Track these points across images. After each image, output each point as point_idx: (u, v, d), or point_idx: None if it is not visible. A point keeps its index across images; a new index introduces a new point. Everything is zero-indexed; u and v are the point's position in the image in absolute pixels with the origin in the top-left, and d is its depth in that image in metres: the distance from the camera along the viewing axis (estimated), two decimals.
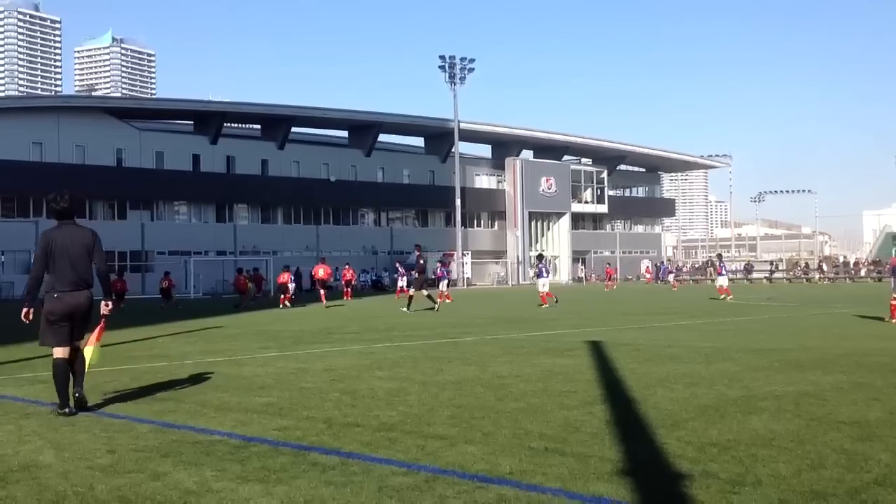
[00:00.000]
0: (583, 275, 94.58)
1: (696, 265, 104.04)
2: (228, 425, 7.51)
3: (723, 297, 35.32)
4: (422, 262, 31.32)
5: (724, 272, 37.29)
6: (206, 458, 6.17)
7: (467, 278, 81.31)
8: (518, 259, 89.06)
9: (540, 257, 35.62)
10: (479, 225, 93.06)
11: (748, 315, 24.20)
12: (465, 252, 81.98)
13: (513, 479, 5.43)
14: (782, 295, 40.62)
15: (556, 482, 5.32)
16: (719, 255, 43.44)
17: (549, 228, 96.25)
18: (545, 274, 33.40)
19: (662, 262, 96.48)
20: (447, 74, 79.93)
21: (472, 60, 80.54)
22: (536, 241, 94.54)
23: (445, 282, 38.28)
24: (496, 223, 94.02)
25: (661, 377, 10.25)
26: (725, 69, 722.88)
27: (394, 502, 4.92)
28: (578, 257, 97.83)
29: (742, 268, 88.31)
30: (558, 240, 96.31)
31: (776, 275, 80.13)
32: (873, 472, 5.44)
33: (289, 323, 24.41)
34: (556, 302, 32.02)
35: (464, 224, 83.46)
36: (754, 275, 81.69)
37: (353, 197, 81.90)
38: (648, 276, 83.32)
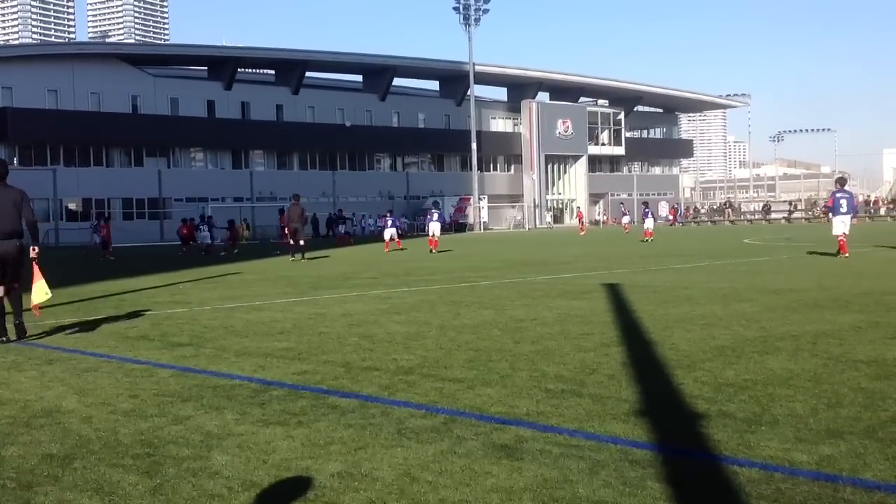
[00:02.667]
0: (600, 218, 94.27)
1: (714, 206, 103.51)
2: (249, 370, 7.59)
3: (648, 239, 38.41)
4: (303, 212, 30.93)
5: (649, 216, 43.33)
6: (227, 402, 6.25)
7: (484, 222, 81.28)
8: (535, 203, 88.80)
9: (646, 203, 43.92)
10: (495, 169, 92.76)
11: (766, 256, 24.10)
12: (481, 196, 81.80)
13: (530, 420, 5.47)
14: (801, 235, 40.43)
15: (572, 423, 5.36)
16: (646, 203, 48.91)
17: (565, 171, 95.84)
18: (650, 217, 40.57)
19: (679, 204, 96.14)
20: (461, 16, 79.16)
21: (486, 1, 79.58)
22: (553, 185, 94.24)
23: (437, 226, 34.85)
24: (512, 167, 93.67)
25: (679, 318, 10.25)
26: (744, 7, 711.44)
27: (412, 444, 4.98)
28: (596, 200, 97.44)
29: (760, 208, 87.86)
30: (575, 183, 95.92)
31: (795, 215, 79.65)
32: (890, 410, 5.45)
33: (307, 269, 24.52)
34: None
35: (480, 168, 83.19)
36: (773, 215, 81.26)
37: (369, 142, 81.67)
38: (672, 217, 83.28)
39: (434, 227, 34.22)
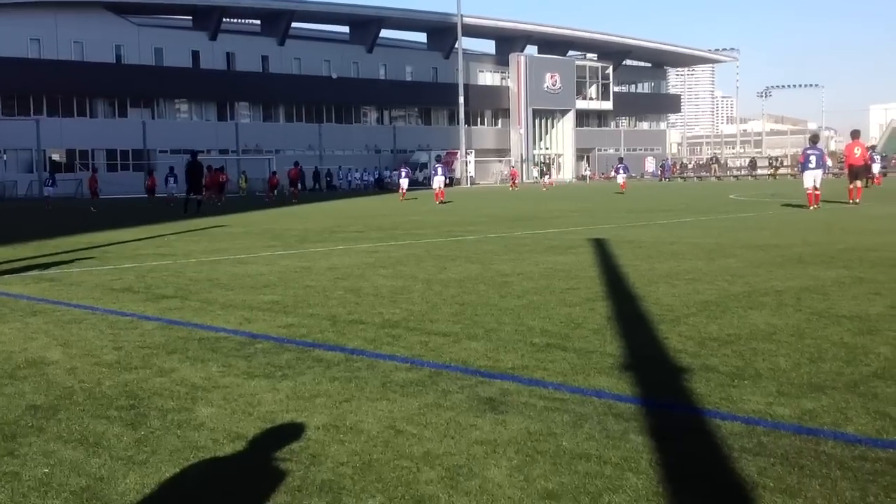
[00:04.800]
0: (587, 173, 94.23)
1: (701, 162, 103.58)
2: (234, 322, 7.58)
3: (622, 191, 43.20)
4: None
5: (621, 171, 47.96)
6: (212, 355, 6.25)
7: (471, 177, 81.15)
8: (522, 157, 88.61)
9: (621, 159, 47.05)
10: (482, 123, 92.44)
11: (752, 212, 24.17)
12: (468, 150, 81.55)
13: (515, 373, 5.49)
14: (786, 191, 40.51)
15: (557, 377, 5.38)
16: (620, 159, 53.12)
17: (553, 126, 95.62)
18: None
19: (667, 160, 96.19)
20: None
21: None
22: (540, 139, 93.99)
23: (441, 179, 39.47)
24: (500, 121, 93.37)
25: (664, 273, 10.28)
26: None
27: (397, 397, 4.99)
28: (583, 155, 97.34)
29: (747, 164, 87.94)
30: (562, 138, 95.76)
31: (780, 171, 79.76)
32: (872, 365, 5.49)
33: (293, 221, 24.45)
34: None
35: (467, 122, 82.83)
36: (758, 171, 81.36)
37: (356, 94, 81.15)
38: (660, 172, 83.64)
39: (438, 181, 38.84)
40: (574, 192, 48.57)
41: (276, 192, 50.48)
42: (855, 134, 28.75)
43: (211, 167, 43.73)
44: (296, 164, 51.85)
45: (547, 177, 62.44)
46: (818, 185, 24.04)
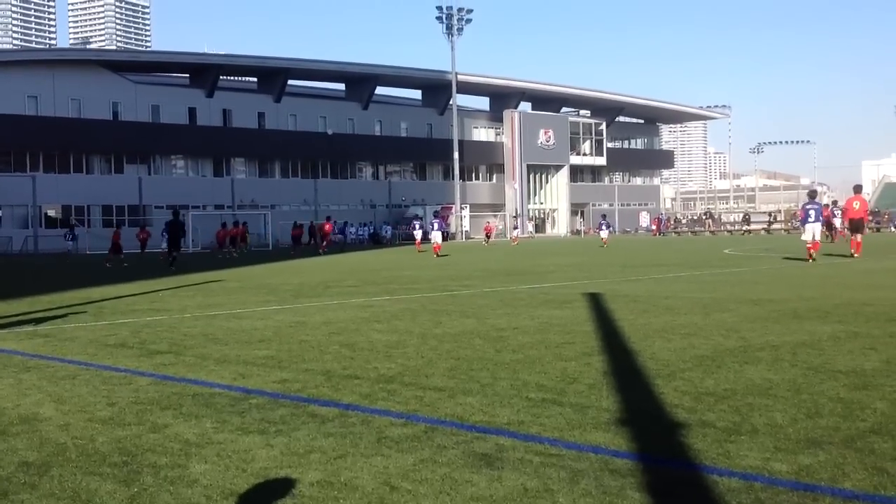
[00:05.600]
0: (581, 227, 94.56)
1: (694, 217, 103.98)
2: (228, 378, 7.55)
3: (604, 245, 46.18)
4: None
5: (603, 227, 52.95)
6: (206, 410, 6.21)
7: (465, 231, 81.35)
8: (516, 212, 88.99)
9: (604, 216, 48.89)
10: (477, 178, 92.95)
11: (746, 266, 24.23)
12: (463, 205, 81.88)
13: (511, 429, 5.46)
14: (780, 246, 40.65)
15: (553, 432, 5.35)
16: (603, 216, 57.87)
17: (547, 181, 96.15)
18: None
19: (661, 214, 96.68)
20: (444, 25, 79.34)
21: (469, 11, 79.86)
22: (535, 194, 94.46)
23: (439, 234, 41.42)
24: (494, 176, 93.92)
25: (659, 328, 10.28)
26: (724, 19, 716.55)
27: (393, 452, 4.96)
28: (577, 210, 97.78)
29: (741, 219, 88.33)
30: (557, 192, 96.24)
31: (774, 226, 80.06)
32: (869, 420, 5.47)
33: (288, 276, 24.44)
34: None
35: (462, 177, 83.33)
36: (752, 226, 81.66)
37: (351, 150, 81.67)
38: (655, 227, 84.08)
39: (436, 236, 41.10)
40: (566, 247, 48.70)
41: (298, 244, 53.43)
42: (857, 189, 29.78)
43: (237, 222, 50.04)
44: (328, 218, 56.99)
45: (517, 231, 64.40)
46: (818, 238, 25.27)
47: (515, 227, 66.57)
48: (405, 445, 5.11)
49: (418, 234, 45.11)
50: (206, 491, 4.33)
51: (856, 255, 26.06)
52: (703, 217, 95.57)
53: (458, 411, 5.99)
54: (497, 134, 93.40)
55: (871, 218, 49.46)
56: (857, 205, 28.07)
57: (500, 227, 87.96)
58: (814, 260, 24.31)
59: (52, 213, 67.63)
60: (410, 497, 4.16)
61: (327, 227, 53.65)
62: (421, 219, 49.92)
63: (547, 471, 4.53)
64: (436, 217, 45.51)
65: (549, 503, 4.02)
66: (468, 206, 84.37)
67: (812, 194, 27.81)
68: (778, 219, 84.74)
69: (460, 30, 79.27)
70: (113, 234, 41.29)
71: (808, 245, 24.95)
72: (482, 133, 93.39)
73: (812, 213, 25.34)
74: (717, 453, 4.79)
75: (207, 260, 37.36)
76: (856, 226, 27.91)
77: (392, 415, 5.93)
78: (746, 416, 5.63)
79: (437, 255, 37.87)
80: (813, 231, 25.03)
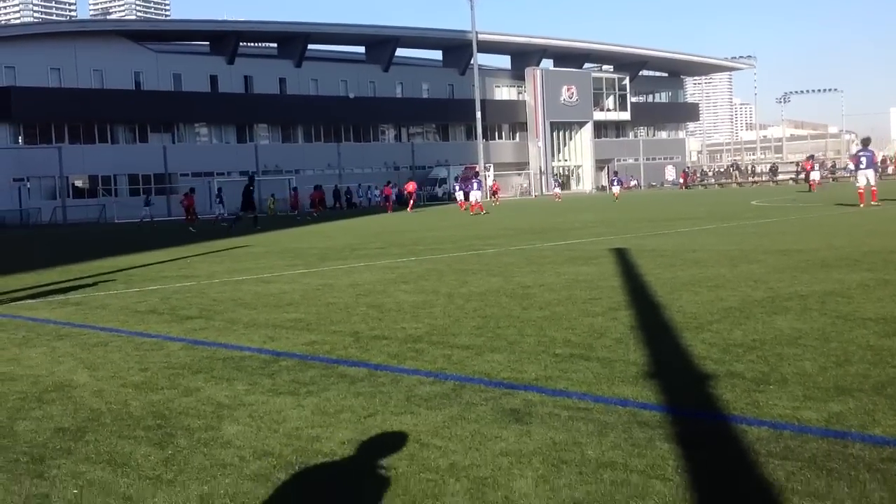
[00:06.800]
0: (606, 183, 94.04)
1: (721, 169, 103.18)
2: (258, 341, 7.62)
3: (616, 199, 47.72)
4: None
5: (615, 183, 55.06)
6: (238, 374, 6.28)
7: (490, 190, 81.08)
8: (540, 170, 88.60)
9: (616, 172, 46.03)
10: (500, 137, 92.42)
11: (774, 217, 24.04)
12: (487, 165, 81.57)
13: (538, 385, 5.49)
14: (809, 195, 40.27)
15: (581, 387, 5.36)
16: (615, 172, 58.80)
17: (571, 138, 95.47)
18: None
19: (688, 167, 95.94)
20: None
21: None
22: (559, 152, 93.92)
23: (478, 193, 42.19)
24: (517, 135, 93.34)
25: (686, 281, 10.24)
26: None
27: (422, 410, 4.99)
28: (602, 166, 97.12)
29: (768, 169, 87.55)
30: (581, 149, 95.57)
31: (801, 176, 79.17)
32: None
33: (315, 240, 24.54)
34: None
35: (485, 137, 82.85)
36: (780, 176, 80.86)
37: (373, 113, 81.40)
38: (682, 181, 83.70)
39: (475, 195, 41.84)
40: (591, 204, 48.47)
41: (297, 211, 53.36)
42: (865, 141, 29.72)
43: (318, 186, 56.39)
44: (316, 187, 56.28)
45: (559, 188, 64.88)
46: (872, 183, 26.75)
47: (557, 185, 67.87)
48: (434, 403, 5.15)
49: (474, 195, 43.52)
50: (240, 452, 4.39)
51: (874, 203, 26.56)
52: (730, 169, 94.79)
53: (485, 368, 6.02)
54: (519, 92, 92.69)
55: (817, 168, 52.05)
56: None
57: (525, 185, 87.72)
58: (877, 204, 25.73)
59: (79, 183, 68.10)
60: (441, 453, 4.19)
61: (410, 186, 56.66)
62: (478, 175, 48.74)
63: (575, 424, 4.56)
64: (475, 178, 44.87)
65: (577, 456, 4.04)
66: (492, 165, 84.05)
67: (865, 141, 28.61)
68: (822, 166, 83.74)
69: None
70: (186, 199, 42.71)
71: (861, 191, 26.31)
72: (504, 92, 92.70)
73: (864, 160, 26.57)
74: (745, 403, 4.79)
75: (242, 225, 37.64)
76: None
77: (421, 373, 5.97)
78: (775, 366, 5.61)
79: (478, 213, 38.88)
80: (866, 177, 26.49)
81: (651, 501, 3.45)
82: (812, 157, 59.15)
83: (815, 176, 49.83)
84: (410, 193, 56.60)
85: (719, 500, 3.47)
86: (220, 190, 50.69)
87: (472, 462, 4.04)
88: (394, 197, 61.11)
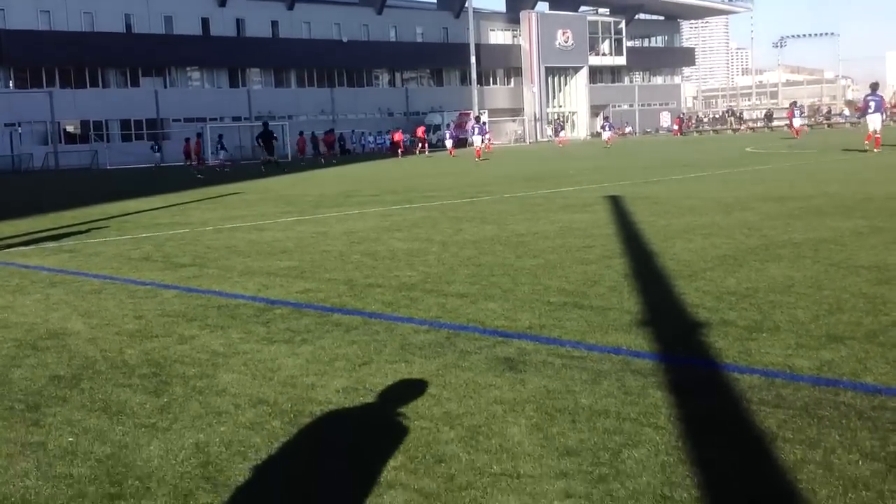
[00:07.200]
0: (601, 129, 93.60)
1: (716, 115, 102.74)
2: (252, 289, 7.62)
3: (608, 145, 47.09)
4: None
5: (607, 129, 54.32)
6: (232, 322, 6.29)
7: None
8: (535, 116, 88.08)
9: (606, 117, 45.96)
10: (495, 83, 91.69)
11: (769, 164, 23.99)
12: (481, 110, 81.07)
13: (532, 333, 5.51)
14: (804, 142, 40.16)
15: (575, 335, 5.39)
16: (606, 117, 59.18)
17: (566, 83, 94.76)
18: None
19: (683, 113, 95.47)
20: None
21: None
22: (553, 97, 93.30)
23: (479, 138, 41.68)
24: (512, 80, 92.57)
25: (680, 229, 10.25)
26: None
27: (416, 359, 5.01)
28: (597, 112, 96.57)
29: (763, 115, 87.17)
30: (576, 95, 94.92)
31: (797, 121, 78.87)
32: (892, 314, 5.47)
33: (308, 187, 24.46)
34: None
35: (479, 82, 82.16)
36: (775, 122, 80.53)
37: (367, 57, 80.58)
38: (677, 127, 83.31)
39: (477, 140, 41.45)
40: (585, 151, 48.30)
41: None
42: (874, 86, 29.56)
43: (331, 130, 58.78)
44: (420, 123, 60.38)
45: (562, 133, 63.36)
46: (878, 130, 26.66)
47: (561, 129, 66.58)
48: (428, 352, 5.17)
49: (476, 139, 42.29)
50: (235, 399, 4.41)
51: (876, 149, 26.36)
52: (726, 115, 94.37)
53: (479, 317, 6.04)
54: (514, 36, 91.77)
55: (798, 115, 52.25)
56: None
57: (519, 131, 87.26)
58: (879, 151, 25.45)
59: (70, 128, 67.57)
60: (435, 402, 4.22)
61: (420, 131, 59.26)
62: (479, 119, 46.93)
63: (569, 372, 4.58)
64: (478, 123, 44.07)
65: (571, 404, 4.07)
66: (486, 111, 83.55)
67: (874, 86, 28.48)
68: (801, 113, 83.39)
69: None
70: (196, 144, 42.69)
71: (876, 135, 26.27)
72: (499, 36, 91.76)
73: (872, 104, 26.59)
74: (738, 351, 4.81)
75: (240, 171, 37.43)
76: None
77: (415, 322, 5.99)
78: (768, 314, 5.64)
79: (478, 159, 38.30)
80: (874, 121, 26.48)
81: (644, 449, 3.48)
82: (795, 102, 59.40)
83: (797, 122, 50.31)
84: (421, 138, 58.93)
85: (711, 447, 3.50)
86: (220, 136, 50.69)
87: (467, 410, 4.07)
88: (408, 141, 62.75)
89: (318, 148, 55.20)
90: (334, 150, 58.40)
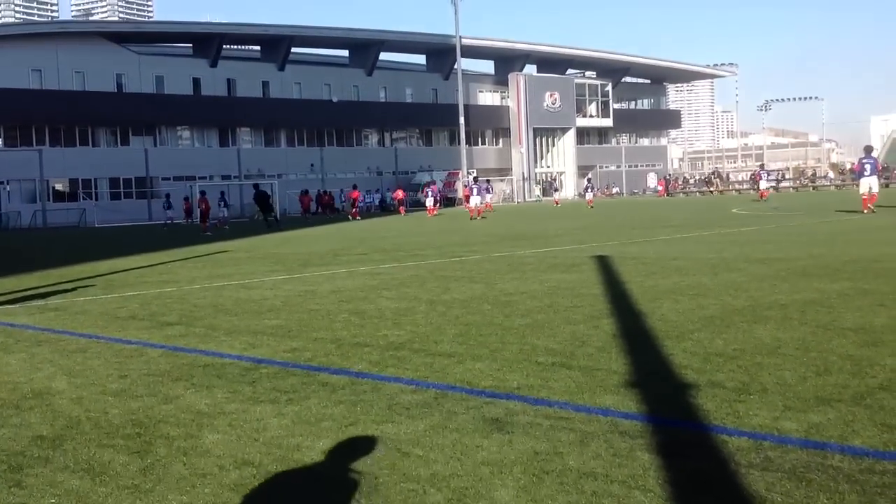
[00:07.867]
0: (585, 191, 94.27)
1: (702, 177, 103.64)
2: (238, 348, 7.58)
3: (590, 206, 49.07)
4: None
5: (590, 190, 58.23)
6: (218, 381, 6.24)
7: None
8: (523, 176, 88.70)
9: (589, 179, 50.38)
10: (483, 143, 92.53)
11: (755, 225, 24.15)
12: (470, 170, 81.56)
13: (520, 393, 5.48)
14: (789, 204, 40.51)
15: (563, 395, 5.36)
16: (588, 179, 61.85)
17: (553, 144, 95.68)
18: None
19: (668, 174, 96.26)
20: None
21: None
22: (541, 158, 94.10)
23: (478, 198, 42.85)
24: (501, 140, 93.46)
25: (667, 289, 10.27)
26: None
27: (403, 419, 4.98)
28: (584, 173, 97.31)
29: (748, 178, 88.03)
30: (563, 155, 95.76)
31: (783, 183, 79.71)
32: (878, 377, 5.48)
33: (296, 246, 24.48)
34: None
35: (468, 142, 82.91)
36: (761, 184, 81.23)
37: (356, 117, 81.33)
38: (661, 188, 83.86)
39: (477, 199, 42.87)
40: (572, 211, 48.57)
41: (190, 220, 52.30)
42: (868, 149, 30.10)
43: (327, 191, 63.14)
44: (354, 187, 57.22)
45: (557, 193, 65.83)
46: (874, 190, 27.08)
47: (556, 189, 72.51)
48: (416, 412, 5.13)
49: (473, 200, 43.36)
50: (219, 461, 4.37)
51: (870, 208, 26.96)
52: (711, 176, 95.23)
53: (467, 377, 6.01)
54: (503, 98, 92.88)
55: (766, 178, 54.40)
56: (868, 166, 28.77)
57: (508, 191, 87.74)
58: (872, 212, 25.71)
59: (59, 186, 67.70)
60: (422, 462, 4.18)
61: (355, 194, 55.91)
62: (477, 179, 48.41)
63: (557, 434, 4.55)
64: (476, 183, 45.41)
65: (559, 466, 4.04)
66: (475, 170, 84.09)
67: (868, 149, 28.95)
68: (786, 177, 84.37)
69: None
70: (201, 202, 42.62)
71: (865, 197, 26.69)
72: (488, 97, 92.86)
73: (868, 166, 26.94)
74: (726, 413, 4.80)
75: (236, 229, 37.45)
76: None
77: (402, 381, 5.96)
78: (755, 376, 5.63)
79: (474, 218, 39.22)
80: (869, 184, 26.84)
81: None
82: (762, 165, 61.43)
83: (762, 185, 51.84)
84: (401, 200, 60.75)
85: None
86: (222, 194, 51.02)
87: (454, 472, 4.03)
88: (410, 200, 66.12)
89: (310, 208, 56.55)
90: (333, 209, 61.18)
